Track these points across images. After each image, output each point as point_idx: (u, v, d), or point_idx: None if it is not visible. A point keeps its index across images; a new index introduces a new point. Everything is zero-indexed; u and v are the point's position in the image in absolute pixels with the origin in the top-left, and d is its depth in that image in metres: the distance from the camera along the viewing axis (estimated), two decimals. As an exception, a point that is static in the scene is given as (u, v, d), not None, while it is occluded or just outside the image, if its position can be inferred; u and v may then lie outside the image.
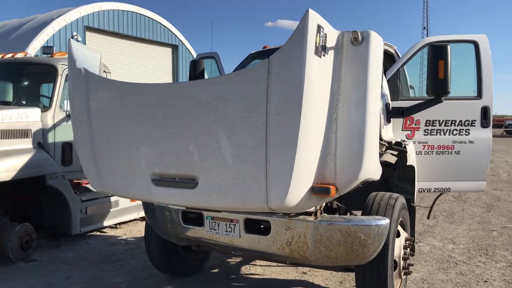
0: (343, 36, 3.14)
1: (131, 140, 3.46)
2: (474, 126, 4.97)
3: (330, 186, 3.10)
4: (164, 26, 20.32)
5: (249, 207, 3.19)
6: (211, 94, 3.09)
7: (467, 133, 4.97)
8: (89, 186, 7.05)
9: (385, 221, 3.64)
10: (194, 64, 5.87)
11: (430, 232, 7.27)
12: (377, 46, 3.16)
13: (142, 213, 7.88)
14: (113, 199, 7.18)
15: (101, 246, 6.50)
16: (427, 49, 4.52)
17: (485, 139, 4.98)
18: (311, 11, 2.82)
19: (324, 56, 2.97)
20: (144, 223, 7.72)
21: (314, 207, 3.57)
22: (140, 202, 7.60)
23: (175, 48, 21.20)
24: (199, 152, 3.20)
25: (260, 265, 5.59)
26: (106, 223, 7.22)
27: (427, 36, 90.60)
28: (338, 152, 3.12)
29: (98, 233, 7.18)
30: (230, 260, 5.85)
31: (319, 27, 2.89)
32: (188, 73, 6.23)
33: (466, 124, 4.95)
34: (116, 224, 7.49)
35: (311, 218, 3.65)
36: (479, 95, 4.97)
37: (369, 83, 3.09)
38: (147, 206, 4.48)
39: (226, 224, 3.92)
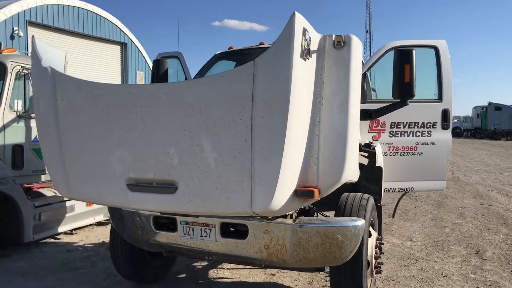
0: (325, 39, 3.15)
1: (104, 144, 3.31)
2: (435, 128, 5.15)
3: (314, 189, 3.11)
4: (112, 23, 19.70)
5: (232, 212, 3.14)
6: (194, 96, 3.01)
7: (429, 135, 5.15)
8: (41, 190, 6.72)
9: (361, 222, 3.69)
10: (157, 64, 5.70)
11: (388, 230, 7.49)
12: (357, 50, 3.19)
13: (98, 218, 7.59)
14: (68, 203, 6.85)
15: (57, 254, 6.18)
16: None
17: (446, 140, 5.18)
18: (297, 14, 2.81)
19: (308, 59, 2.97)
20: (100, 228, 7.49)
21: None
22: (96, 206, 7.34)
23: (124, 46, 20.61)
24: (179, 156, 3.10)
25: (227, 268, 5.53)
26: (61, 229, 6.88)
27: (370, 39, 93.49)
28: (321, 155, 3.13)
29: (52, 240, 6.83)
30: (196, 264, 5.74)
31: (304, 30, 2.88)
32: (150, 72, 6.05)
33: (428, 126, 5.13)
34: (71, 230, 7.16)
35: (289, 220, 3.64)
36: (440, 98, 5.16)
37: (351, 87, 3.12)
38: (114, 212, 4.30)
39: (201, 229, 3.83)
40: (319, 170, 3.14)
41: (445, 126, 5.16)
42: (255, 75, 2.85)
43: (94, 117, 3.31)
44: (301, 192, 3.10)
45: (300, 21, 2.84)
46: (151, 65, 22.52)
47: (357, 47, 3.19)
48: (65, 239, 6.95)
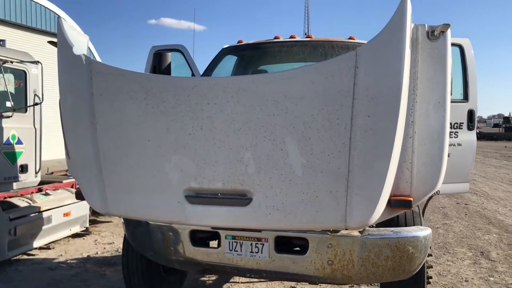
0: (417, 29, 2.80)
1: (158, 149, 2.76)
2: (461, 128, 4.98)
3: (410, 198, 2.75)
4: (55, 12, 18.25)
5: (320, 227, 2.72)
6: (279, 91, 2.54)
7: (456, 136, 4.97)
8: (13, 200, 5.88)
9: (429, 231, 3.39)
10: (159, 57, 5.09)
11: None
12: (450, 43, 2.88)
13: (74, 229, 6.83)
14: (45, 214, 6.06)
15: (38, 273, 5.40)
16: None
17: (471, 141, 5.03)
18: None
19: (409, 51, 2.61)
20: (77, 240, 6.68)
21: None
22: (73, 216, 6.57)
23: (70, 41, 19.17)
24: (257, 162, 2.63)
25: (242, 282, 5.06)
26: (36, 243, 6.07)
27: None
28: (415, 159, 2.78)
29: (26, 257, 6.00)
30: (205, 278, 5.22)
31: (410, 18, 2.52)
32: (151, 66, 5.41)
33: (455, 126, 4.95)
34: (47, 244, 6.34)
35: (355, 232, 3.26)
36: (466, 98, 5.00)
37: (448, 83, 2.80)
38: (136, 227, 3.71)
39: (251, 244, 3.35)
40: (413, 176, 2.79)
41: (470, 127, 5.01)
42: (357, 67, 2.45)
43: (144, 116, 2.75)
44: (396, 202, 2.74)
45: (410, 7, 2.47)
46: (98, 59, 21.27)
47: (450, 39, 2.88)
48: (41, 254, 6.14)
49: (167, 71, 4.96)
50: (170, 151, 2.74)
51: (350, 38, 5.07)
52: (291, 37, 5.10)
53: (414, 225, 3.59)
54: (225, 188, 2.72)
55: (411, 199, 2.76)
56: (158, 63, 4.97)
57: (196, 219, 2.83)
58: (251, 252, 3.35)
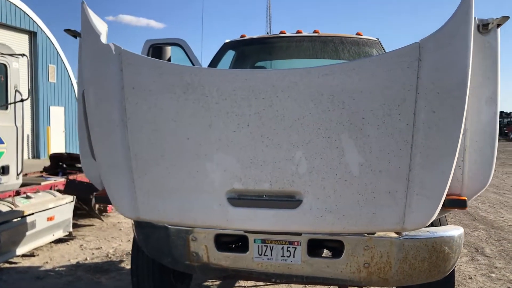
0: (468, 22, 2.69)
1: (199, 147, 2.53)
2: None
3: (464, 198, 2.65)
4: (20, 8, 17.42)
5: (376, 229, 2.57)
6: (336, 84, 2.37)
7: None
8: (-7, 204, 5.44)
9: (462, 230, 3.31)
10: (159, 51, 4.82)
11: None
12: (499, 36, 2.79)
13: (57, 234, 6.42)
14: (29, 219, 5.64)
15: (26, 283, 5.00)
16: None
17: None
18: None
19: None
20: (61, 246, 6.26)
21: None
22: (57, 221, 6.18)
23: (32, 35, 18.35)
24: (309, 161, 2.45)
25: (247, 286, 4.86)
26: (19, 251, 5.63)
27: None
28: (467, 156, 2.67)
29: (8, 265, 5.56)
30: (208, 283, 4.99)
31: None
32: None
33: None
34: (30, 251, 5.91)
35: (393, 234, 3.13)
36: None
37: (499, 78, 2.71)
38: (152, 231, 3.44)
39: (282, 248, 3.16)
40: (464, 174, 2.68)
41: None
42: (421, 59, 2.31)
43: (183, 112, 2.51)
44: (451, 202, 2.63)
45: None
46: (64, 57, 20.46)
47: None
48: (24, 262, 5.71)
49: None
50: (212, 150, 2.52)
51: (357, 34, 4.96)
52: (298, 32, 4.95)
53: (440, 225, 3.50)
54: (272, 190, 2.53)
55: (465, 198, 2.66)
56: (158, 58, 4.69)
57: (239, 223, 2.62)
58: (282, 256, 3.17)
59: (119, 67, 2.55)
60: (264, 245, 3.17)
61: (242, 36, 5.16)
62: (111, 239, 6.77)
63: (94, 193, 3.00)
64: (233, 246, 3.37)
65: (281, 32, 4.98)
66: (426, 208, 2.42)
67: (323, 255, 3.14)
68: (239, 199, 2.58)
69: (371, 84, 2.35)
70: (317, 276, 3.20)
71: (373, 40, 4.87)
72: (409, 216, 2.44)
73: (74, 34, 2.91)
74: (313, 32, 4.95)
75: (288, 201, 2.54)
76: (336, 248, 3.17)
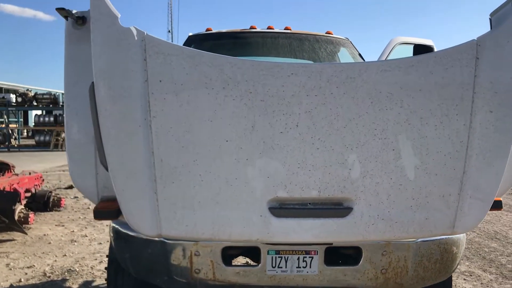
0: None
1: (239, 151, 2.20)
2: None
3: (500, 199, 2.63)
4: None
5: (428, 235, 2.45)
6: (394, 82, 2.20)
7: None
8: None
9: (464, 230, 3.35)
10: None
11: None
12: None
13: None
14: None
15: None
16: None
17: None
18: None
19: None
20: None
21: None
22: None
23: None
24: (363, 164, 2.25)
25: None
26: None
27: (172, 39, 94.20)
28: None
29: None
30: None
31: None
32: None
33: None
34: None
35: (408, 236, 3.06)
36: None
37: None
38: (143, 247, 3.01)
39: (298, 258, 2.93)
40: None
41: None
42: (478, 57, 2.23)
43: (222, 110, 2.17)
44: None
45: None
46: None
47: None
48: None
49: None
50: (255, 154, 2.21)
51: (327, 32, 4.88)
52: (269, 27, 4.73)
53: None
54: (320, 197, 2.29)
55: (500, 198, 2.65)
56: None
57: (282, 236, 2.33)
58: (298, 267, 2.94)
59: (142, 56, 2.13)
60: (279, 256, 2.92)
61: (207, 29, 4.81)
62: (42, 254, 5.97)
63: (94, 208, 2.50)
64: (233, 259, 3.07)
65: (252, 27, 4.72)
66: (478, 211, 2.35)
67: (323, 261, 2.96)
68: (281, 209, 2.31)
69: (429, 82, 2.21)
70: (333, 286, 3.02)
71: (345, 40, 4.82)
72: (460, 219, 2.35)
73: (67, 15, 2.41)
74: (284, 29, 4.76)
75: (336, 209, 2.32)
76: (350, 255, 3.02)
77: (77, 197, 9.94)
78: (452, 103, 2.23)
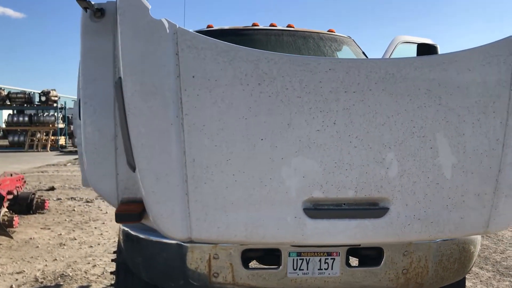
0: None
1: (274, 150, 2.12)
2: None
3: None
4: None
5: (462, 234, 2.42)
6: (433, 78, 2.15)
7: None
8: None
9: (479, 229, 3.34)
10: None
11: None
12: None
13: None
14: None
15: None
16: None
17: None
18: None
19: None
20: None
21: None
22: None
23: None
24: (400, 163, 2.19)
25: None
26: None
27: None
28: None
29: None
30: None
31: None
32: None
33: None
34: None
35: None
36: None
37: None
38: (158, 251, 2.89)
39: (320, 260, 2.86)
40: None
41: None
42: (515, 54, 2.20)
43: (257, 107, 2.07)
44: None
45: None
46: None
47: None
48: None
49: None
50: (290, 153, 2.13)
51: (329, 30, 4.83)
52: (272, 25, 4.64)
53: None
54: (356, 197, 2.22)
55: None
56: None
57: (317, 237, 2.25)
58: (319, 269, 2.87)
59: (174, 50, 2.02)
60: (300, 258, 2.85)
61: (208, 26, 4.69)
62: (31, 259, 5.74)
63: (115, 211, 2.37)
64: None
65: (254, 24, 4.63)
66: None
67: (352, 263, 2.90)
68: (316, 210, 2.23)
69: (467, 79, 2.17)
70: (354, 288, 2.96)
71: (348, 38, 4.78)
72: (494, 218, 2.32)
73: (87, 6, 2.27)
74: (287, 27, 4.68)
75: (371, 209, 2.25)
76: (370, 255, 2.97)
77: (60, 199, 9.66)
78: (489, 100, 2.19)
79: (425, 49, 4.05)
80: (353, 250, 2.90)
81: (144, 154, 2.06)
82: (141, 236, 2.93)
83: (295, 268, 2.83)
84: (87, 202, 9.39)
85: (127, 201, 2.46)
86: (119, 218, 2.35)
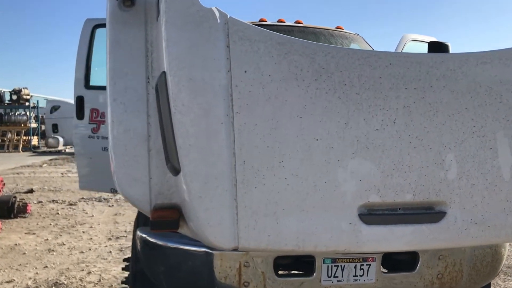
0: None
1: (330, 151, 1.96)
2: None
3: None
4: None
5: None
6: (494, 75, 2.03)
7: None
8: None
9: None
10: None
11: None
12: None
13: None
14: None
15: None
16: None
17: None
18: None
19: None
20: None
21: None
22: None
23: None
24: (460, 164, 2.07)
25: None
26: None
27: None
28: None
29: None
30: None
31: None
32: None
33: None
34: None
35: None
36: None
37: None
38: (182, 260, 2.70)
39: (355, 266, 2.72)
40: None
41: None
42: None
43: (313, 105, 1.91)
44: None
45: None
46: None
47: None
48: None
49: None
50: (347, 154, 1.97)
51: (337, 27, 4.70)
52: (280, 20, 4.49)
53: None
54: (414, 201, 2.09)
55: None
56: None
57: (373, 245, 2.11)
58: (355, 276, 2.73)
59: (225, 42, 1.83)
60: (335, 265, 2.70)
61: (261, 20, 4.48)
62: (19, 267, 5.41)
63: (151, 218, 2.16)
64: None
65: (261, 20, 4.46)
66: None
67: (382, 269, 2.78)
68: (370, 215, 2.08)
69: None
70: (387, 295, 2.84)
71: (357, 35, 4.67)
72: None
73: None
74: (295, 22, 4.53)
75: (428, 213, 2.12)
76: (404, 260, 2.85)
77: (41, 202, 9.25)
78: None
79: (437, 48, 3.96)
80: (387, 255, 2.77)
81: (192, 155, 1.87)
82: (164, 243, 2.73)
83: (329, 275, 2.68)
84: (71, 204, 9.02)
85: (160, 207, 2.26)
86: (155, 225, 2.15)
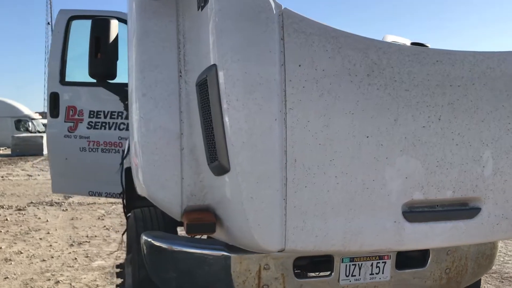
0: None
1: (379, 148, 1.92)
2: None
3: None
4: None
5: None
6: (529, 73, 2.09)
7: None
8: None
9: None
10: (104, 25, 3.67)
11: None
12: None
13: None
14: None
15: None
16: None
17: None
18: None
19: None
20: None
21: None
22: None
23: None
24: (495, 161, 2.11)
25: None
26: None
27: (52, 31, 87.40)
28: None
29: None
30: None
31: None
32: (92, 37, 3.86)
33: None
34: None
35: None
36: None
37: None
38: (197, 265, 2.57)
39: (372, 264, 2.72)
40: None
41: None
42: None
43: (365, 101, 1.87)
44: None
45: None
46: None
47: None
48: None
49: (115, 43, 3.65)
50: (395, 151, 1.95)
51: None
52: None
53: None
54: (453, 198, 2.10)
55: None
56: (104, 33, 3.62)
57: (415, 242, 2.11)
58: (371, 274, 2.72)
59: (279, 35, 1.74)
60: (353, 264, 2.68)
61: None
62: (6, 278, 4.97)
63: (187, 221, 2.01)
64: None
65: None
66: None
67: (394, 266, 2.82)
68: (413, 213, 2.07)
69: None
70: (402, 291, 2.86)
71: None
72: None
73: None
74: None
75: (464, 210, 2.15)
76: (414, 257, 2.89)
77: (-16, 207, 8.57)
78: None
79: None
80: (401, 252, 2.79)
81: (245, 154, 1.76)
82: (176, 248, 2.58)
83: (347, 274, 2.65)
84: (19, 210, 8.42)
85: (191, 210, 2.12)
86: (191, 229, 2.01)
